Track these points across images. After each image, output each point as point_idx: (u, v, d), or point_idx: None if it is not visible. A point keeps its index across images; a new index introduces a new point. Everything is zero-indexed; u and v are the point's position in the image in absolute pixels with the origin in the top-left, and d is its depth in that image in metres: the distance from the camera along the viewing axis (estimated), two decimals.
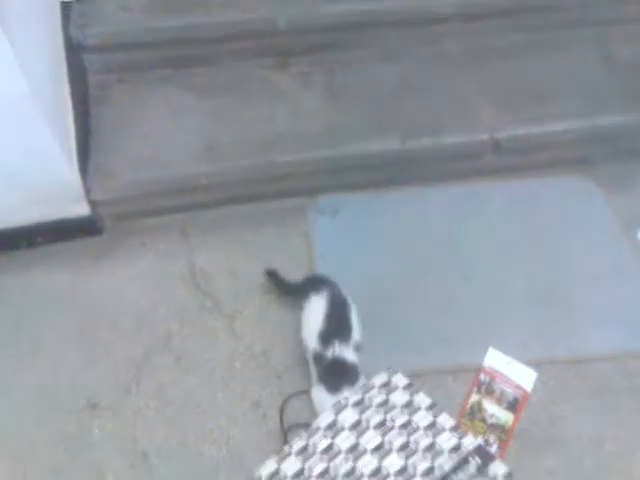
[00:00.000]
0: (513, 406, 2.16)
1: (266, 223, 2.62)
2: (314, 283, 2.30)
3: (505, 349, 2.27)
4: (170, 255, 2.52)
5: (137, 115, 2.68)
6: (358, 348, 2.16)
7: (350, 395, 2.08)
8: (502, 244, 2.58)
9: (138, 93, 2.76)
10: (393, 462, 1.95)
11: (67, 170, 2.33)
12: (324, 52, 2.89)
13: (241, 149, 2.59)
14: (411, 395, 2.11)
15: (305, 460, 1.95)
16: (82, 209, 2.47)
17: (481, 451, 1.98)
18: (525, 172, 2.78)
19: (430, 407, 2.08)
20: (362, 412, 2.05)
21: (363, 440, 1.99)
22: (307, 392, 2.15)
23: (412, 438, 2.00)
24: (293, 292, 2.37)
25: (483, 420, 2.13)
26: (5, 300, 2.40)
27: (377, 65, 2.89)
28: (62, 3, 2.60)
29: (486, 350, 2.27)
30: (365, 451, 1.97)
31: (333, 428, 2.02)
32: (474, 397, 2.19)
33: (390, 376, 2.16)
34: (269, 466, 1.94)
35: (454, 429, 2.03)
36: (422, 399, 2.10)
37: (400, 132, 2.64)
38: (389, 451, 1.97)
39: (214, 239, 2.57)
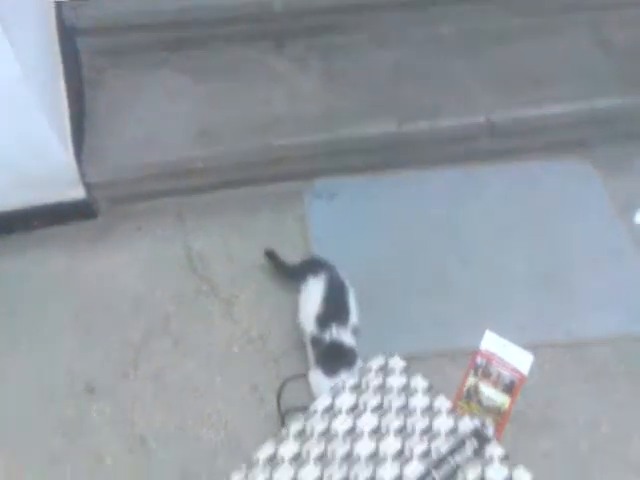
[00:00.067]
0: (509, 389, 2.17)
1: (262, 207, 2.61)
2: (312, 266, 2.30)
3: (503, 332, 2.28)
4: (166, 239, 2.52)
5: (132, 98, 2.67)
6: (356, 331, 2.16)
7: (347, 378, 2.09)
8: (500, 227, 2.58)
9: (133, 76, 2.74)
10: (390, 445, 1.96)
11: (62, 153, 2.31)
12: (321, 35, 2.88)
13: (237, 132, 2.57)
14: (408, 378, 2.11)
15: (303, 443, 1.95)
16: (77, 192, 2.46)
17: (478, 433, 1.98)
18: (523, 155, 2.78)
19: (427, 390, 2.08)
20: (359, 395, 2.05)
21: (360, 423, 1.99)
22: (305, 376, 2.16)
23: (409, 421, 2.01)
24: (291, 274, 2.37)
25: (479, 403, 2.14)
26: (0, 284, 2.40)
27: (374, 48, 2.87)
28: None
29: (483, 333, 2.28)
30: (362, 434, 1.97)
31: (330, 411, 2.02)
32: (471, 380, 2.19)
33: (387, 359, 2.16)
34: (267, 449, 1.94)
35: (451, 412, 2.04)
36: (419, 382, 2.10)
37: (397, 115, 2.62)
38: (386, 434, 1.98)
39: (210, 223, 2.56)
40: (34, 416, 2.11)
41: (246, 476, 1.89)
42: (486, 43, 2.90)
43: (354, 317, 2.18)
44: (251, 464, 1.91)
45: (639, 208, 2.63)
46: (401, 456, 1.93)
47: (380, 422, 1.99)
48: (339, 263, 2.29)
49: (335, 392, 2.06)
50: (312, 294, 2.20)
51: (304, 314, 2.20)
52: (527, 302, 2.37)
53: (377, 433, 1.97)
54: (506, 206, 2.64)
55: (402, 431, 1.98)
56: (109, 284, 2.39)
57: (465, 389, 2.18)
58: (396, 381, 2.09)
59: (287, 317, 2.29)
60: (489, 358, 2.23)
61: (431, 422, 2.00)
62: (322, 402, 2.03)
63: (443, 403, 2.05)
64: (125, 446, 2.05)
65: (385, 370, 2.12)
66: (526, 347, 2.25)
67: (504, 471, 1.93)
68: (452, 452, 1.94)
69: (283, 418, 2.07)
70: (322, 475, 1.89)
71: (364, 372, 2.11)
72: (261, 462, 1.91)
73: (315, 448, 1.93)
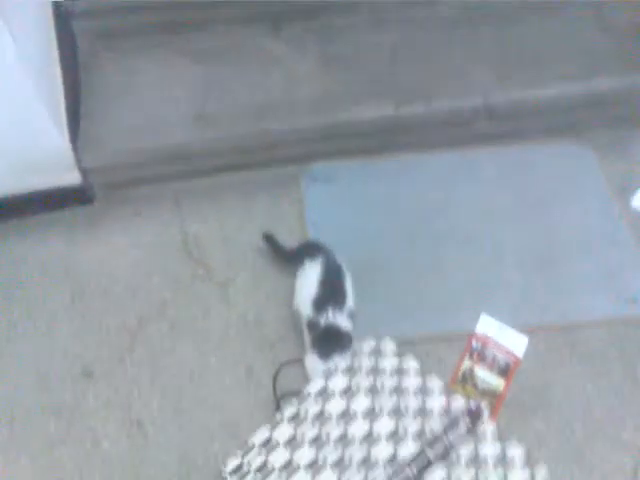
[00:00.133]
0: (504, 372, 2.18)
1: (259, 191, 2.61)
2: (309, 249, 2.30)
3: (497, 315, 2.28)
4: (162, 224, 2.51)
5: (128, 82, 2.66)
6: (352, 315, 2.16)
7: (339, 361, 2.10)
8: (496, 210, 2.57)
9: (129, 60, 2.72)
10: (384, 425, 1.98)
11: (57, 138, 2.30)
12: (318, 17, 2.85)
13: (234, 117, 2.56)
14: (399, 359, 2.13)
15: (297, 426, 1.97)
16: (73, 178, 2.45)
17: (470, 412, 2.01)
18: (519, 138, 2.76)
19: (419, 370, 2.11)
20: (352, 377, 2.07)
21: (354, 405, 2.01)
22: (301, 360, 2.16)
23: (402, 402, 2.03)
24: (288, 258, 2.37)
25: (475, 386, 2.15)
26: None
27: (371, 31, 2.85)
28: None
29: (478, 316, 2.28)
30: (356, 416, 1.99)
31: (324, 394, 2.03)
32: (466, 363, 2.20)
33: (378, 341, 2.17)
34: (261, 434, 1.96)
35: (443, 391, 2.06)
36: (410, 363, 2.13)
37: (394, 98, 2.61)
38: (380, 415, 2.00)
39: (207, 207, 2.56)
40: (31, 400, 2.12)
41: (242, 461, 1.91)
42: (485, 25, 2.87)
43: (350, 301, 2.18)
44: (247, 450, 1.94)
45: (636, 191, 2.62)
46: (395, 436, 1.95)
47: (373, 403, 2.02)
48: (335, 247, 2.30)
49: (328, 375, 2.07)
50: (309, 278, 2.21)
51: (300, 298, 2.20)
52: (522, 285, 2.37)
53: (371, 414, 1.99)
54: (503, 189, 2.63)
55: (396, 411, 2.01)
56: (105, 269, 2.40)
57: (460, 372, 2.18)
58: (388, 363, 2.12)
59: (283, 301, 2.29)
60: (484, 341, 2.24)
61: (424, 402, 2.03)
62: (315, 385, 2.05)
63: (435, 383, 2.08)
64: (122, 430, 2.06)
65: (377, 352, 2.14)
66: (521, 330, 2.25)
67: (497, 446, 1.96)
68: (446, 431, 1.96)
69: (279, 402, 2.07)
70: (317, 457, 1.91)
71: (356, 355, 2.12)
72: (256, 447, 1.93)
73: (309, 431, 1.96)
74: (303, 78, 2.70)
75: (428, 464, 1.91)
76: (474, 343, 2.24)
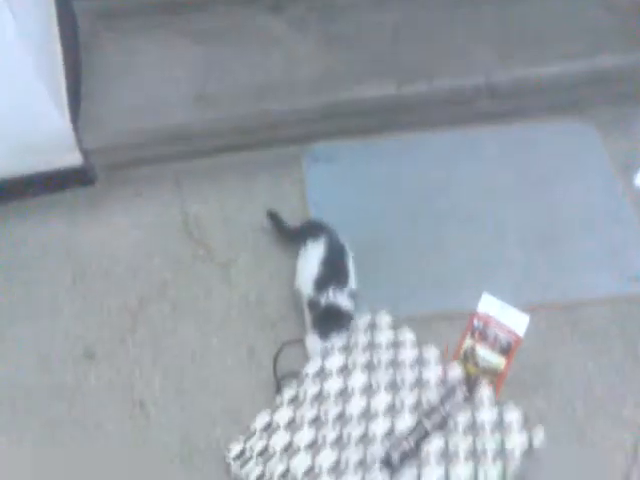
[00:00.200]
0: (506, 351, 2.17)
1: (260, 171, 2.60)
2: (312, 229, 2.30)
3: (499, 294, 2.28)
4: (163, 205, 2.51)
5: (129, 62, 2.65)
6: (353, 295, 2.15)
7: (336, 340, 2.10)
8: (498, 189, 2.56)
9: (129, 40, 2.72)
10: (381, 400, 1.99)
11: (58, 119, 2.30)
12: None
13: (235, 97, 2.56)
14: (395, 332, 2.14)
15: (296, 408, 1.98)
16: (74, 159, 2.45)
17: (467, 380, 2.03)
18: (522, 116, 2.74)
19: (415, 342, 2.12)
20: (348, 355, 2.08)
21: (351, 382, 2.02)
22: (302, 340, 2.16)
23: (398, 375, 2.04)
24: (291, 237, 2.37)
25: (476, 364, 2.15)
26: None
27: (373, 10, 2.83)
28: None
29: (480, 295, 2.28)
30: (353, 393, 2.00)
31: (321, 374, 2.04)
32: (468, 342, 2.20)
33: (374, 315, 2.18)
34: (262, 418, 1.98)
35: (439, 360, 2.07)
36: (406, 335, 2.14)
37: (396, 77, 2.59)
38: (377, 390, 2.01)
39: (208, 188, 2.56)
40: (33, 381, 2.13)
41: (244, 447, 1.93)
42: (487, 3, 2.85)
43: (352, 281, 2.17)
44: (249, 435, 1.95)
45: (639, 169, 2.60)
46: (392, 410, 1.97)
47: (370, 379, 2.03)
48: (337, 227, 2.29)
49: (325, 354, 2.08)
50: (311, 257, 2.20)
51: (302, 277, 2.20)
52: (524, 263, 2.37)
53: (368, 390, 2.01)
54: (505, 167, 2.62)
55: (392, 386, 2.02)
56: (106, 250, 2.40)
57: (462, 351, 2.18)
58: (384, 336, 2.13)
59: (285, 281, 2.29)
60: (486, 320, 2.23)
61: (420, 373, 2.04)
62: (312, 366, 2.06)
63: (431, 352, 2.10)
64: (124, 411, 2.07)
65: (372, 327, 2.15)
66: (522, 308, 2.25)
67: (494, 411, 1.97)
68: (443, 401, 1.97)
69: (279, 384, 2.08)
70: (316, 437, 1.92)
71: (352, 331, 2.12)
72: (258, 431, 1.94)
73: (308, 412, 1.97)
74: (304, 58, 2.69)
75: (425, 435, 1.92)
76: (476, 322, 2.23)
